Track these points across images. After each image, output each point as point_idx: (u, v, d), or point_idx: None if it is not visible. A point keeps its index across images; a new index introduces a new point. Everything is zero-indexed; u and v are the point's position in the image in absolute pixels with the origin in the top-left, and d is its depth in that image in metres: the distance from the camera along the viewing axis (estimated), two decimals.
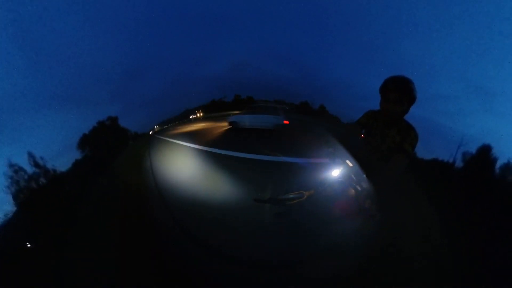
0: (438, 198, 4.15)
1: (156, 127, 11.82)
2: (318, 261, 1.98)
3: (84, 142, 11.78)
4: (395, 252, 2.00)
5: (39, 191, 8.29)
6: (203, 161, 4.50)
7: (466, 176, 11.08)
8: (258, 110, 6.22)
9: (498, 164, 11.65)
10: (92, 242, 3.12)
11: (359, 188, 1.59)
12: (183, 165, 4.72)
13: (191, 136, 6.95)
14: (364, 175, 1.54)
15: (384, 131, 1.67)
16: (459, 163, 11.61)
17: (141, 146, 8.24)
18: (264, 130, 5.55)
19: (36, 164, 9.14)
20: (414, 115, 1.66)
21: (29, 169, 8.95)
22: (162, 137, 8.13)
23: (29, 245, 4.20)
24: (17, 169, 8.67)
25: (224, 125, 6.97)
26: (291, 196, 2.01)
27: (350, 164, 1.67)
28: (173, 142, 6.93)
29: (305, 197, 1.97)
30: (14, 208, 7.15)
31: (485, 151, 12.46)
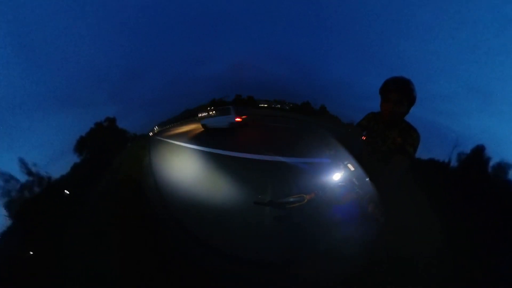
0: (437, 199, 4.18)
1: (156, 128, 11.69)
2: (319, 266, 1.95)
3: (81, 145, 11.45)
4: (398, 255, 1.99)
5: (34, 200, 7.85)
6: (204, 162, 4.47)
7: (461, 176, 11.23)
8: (217, 112, 6.83)
9: (492, 163, 11.83)
10: (92, 244, 3.07)
11: (361, 192, 1.56)
12: (183, 166, 4.69)
13: (191, 137, 6.94)
14: (367, 179, 1.50)
15: (384, 133, 1.66)
16: (454, 163, 11.75)
17: (140, 147, 8.13)
18: (225, 129, 6.13)
19: (29, 172, 8.58)
20: (412, 114, 1.64)
21: (22, 177, 8.36)
22: (162, 138, 8.11)
23: (28, 253, 4.08)
24: (7, 178, 8.10)
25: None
26: (292, 199, 1.99)
27: (352, 168, 1.64)
28: (173, 143, 6.91)
29: (305, 200, 1.94)
30: (8, 221, 6.69)
31: (479, 151, 12.64)
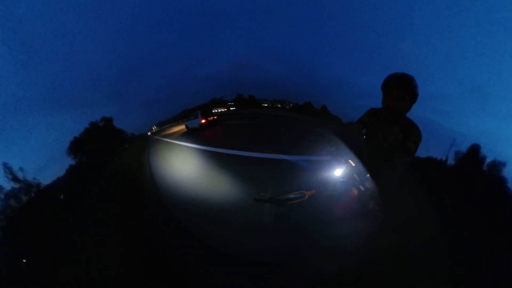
0: (435, 196, 4.22)
1: (154, 127, 11.62)
2: (319, 262, 1.95)
3: (78, 146, 11.09)
4: (398, 252, 2.00)
5: (26, 205, 7.33)
6: (203, 160, 4.47)
7: (458, 173, 11.40)
8: (192, 115, 8.04)
9: (487, 161, 12.05)
10: (91, 245, 3.03)
11: (362, 188, 1.56)
12: (182, 165, 4.67)
13: (189, 136, 6.97)
14: (368, 175, 1.50)
15: (386, 129, 1.64)
16: (451, 161, 11.94)
17: (138, 147, 8.07)
18: (197, 129, 7.35)
19: (15, 178, 7.98)
20: (411, 113, 1.64)
21: (6, 184, 7.79)
22: (160, 138, 8.09)
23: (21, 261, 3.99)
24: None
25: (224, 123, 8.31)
26: (292, 196, 1.98)
27: (353, 164, 1.64)
28: (171, 142, 6.90)
29: (306, 197, 1.94)
30: None
31: (475, 150, 12.87)
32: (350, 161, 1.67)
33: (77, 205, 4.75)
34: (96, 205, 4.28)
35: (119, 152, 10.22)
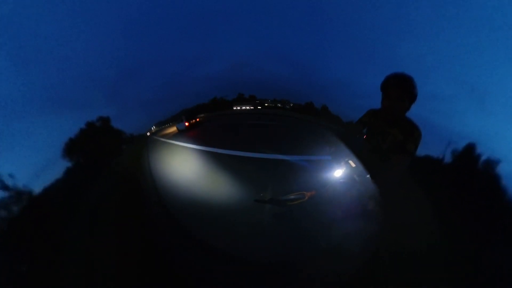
0: (432, 195, 4.26)
1: (153, 128, 11.58)
2: (319, 262, 1.96)
3: (71, 148, 10.81)
4: (398, 253, 2.01)
5: (14, 220, 7.13)
6: (203, 161, 4.45)
7: (454, 172, 11.57)
8: (179, 119, 9.00)
9: (482, 159, 12.29)
10: (91, 248, 3.00)
11: (362, 189, 1.57)
12: (181, 166, 4.65)
13: (190, 136, 7.01)
14: (368, 176, 1.51)
15: (385, 130, 1.65)
16: (448, 160, 12.12)
17: (138, 147, 8.05)
18: (184, 130, 8.19)
19: (4, 186, 7.49)
20: (409, 112, 1.65)
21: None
22: (159, 138, 8.13)
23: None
24: None
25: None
26: (292, 197, 1.99)
27: (353, 164, 1.65)
28: (171, 142, 6.93)
29: (306, 198, 1.95)
30: None
31: (471, 148, 13.11)
32: (350, 161, 1.67)
33: (75, 209, 4.70)
34: (96, 207, 4.24)
35: (117, 153, 10.12)
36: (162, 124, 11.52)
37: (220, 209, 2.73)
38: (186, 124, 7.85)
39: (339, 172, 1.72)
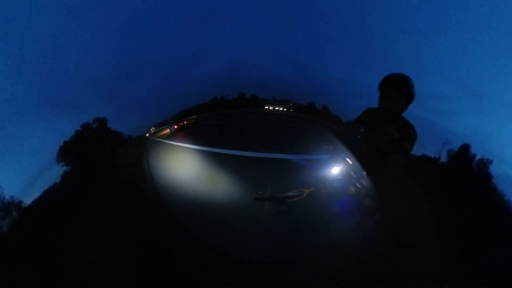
0: (430, 193, 4.34)
1: (152, 129, 11.55)
2: (318, 260, 1.99)
3: (66, 152, 10.39)
4: (395, 250, 2.05)
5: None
6: (202, 161, 4.46)
7: (449, 171, 11.83)
8: (170, 122, 9.96)
9: (476, 159, 12.60)
10: (91, 250, 2.99)
11: (359, 186, 1.60)
12: (181, 166, 4.64)
13: (189, 137, 7.06)
14: (364, 173, 1.54)
15: (382, 129, 1.68)
16: (444, 159, 12.39)
17: (137, 149, 8.03)
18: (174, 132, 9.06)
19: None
20: (407, 112, 1.68)
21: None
22: (159, 139, 8.19)
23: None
24: None
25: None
26: (291, 194, 2.01)
27: (350, 162, 1.68)
28: (170, 143, 6.96)
29: (305, 195, 1.98)
30: None
31: (465, 148, 13.45)
32: (347, 159, 1.70)
33: (74, 212, 4.65)
34: (95, 209, 4.21)
35: (115, 155, 10.00)
36: (162, 125, 11.49)
37: (220, 208, 2.74)
38: (175, 126, 8.91)
39: (336, 169, 1.75)
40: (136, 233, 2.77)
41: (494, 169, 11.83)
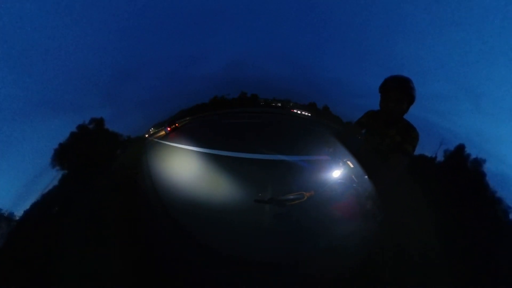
0: (428, 193, 4.37)
1: (152, 129, 11.53)
2: (319, 262, 1.98)
3: (60, 154, 10.05)
4: (396, 252, 2.04)
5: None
6: (203, 162, 4.45)
7: (445, 170, 12.02)
8: (164, 125, 10.67)
9: (471, 159, 12.88)
10: (90, 251, 2.95)
11: (360, 189, 1.60)
12: (181, 168, 4.62)
13: (189, 138, 7.02)
14: (366, 176, 1.54)
15: (383, 131, 1.67)
16: (440, 158, 12.60)
17: (136, 150, 8.00)
18: (167, 133, 9.55)
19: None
20: (409, 113, 1.68)
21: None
22: (158, 140, 8.17)
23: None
24: None
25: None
26: (291, 197, 2.00)
27: (351, 165, 1.67)
28: (169, 144, 6.93)
29: (305, 198, 1.97)
30: None
31: (461, 148, 13.75)
32: (348, 162, 1.70)
33: (73, 214, 4.58)
34: (94, 211, 4.16)
35: (113, 157, 9.88)
36: (161, 125, 11.47)
37: (220, 210, 2.73)
38: (168, 128, 9.58)
39: (337, 172, 1.75)
40: (135, 235, 2.75)
41: (488, 167, 12.10)
